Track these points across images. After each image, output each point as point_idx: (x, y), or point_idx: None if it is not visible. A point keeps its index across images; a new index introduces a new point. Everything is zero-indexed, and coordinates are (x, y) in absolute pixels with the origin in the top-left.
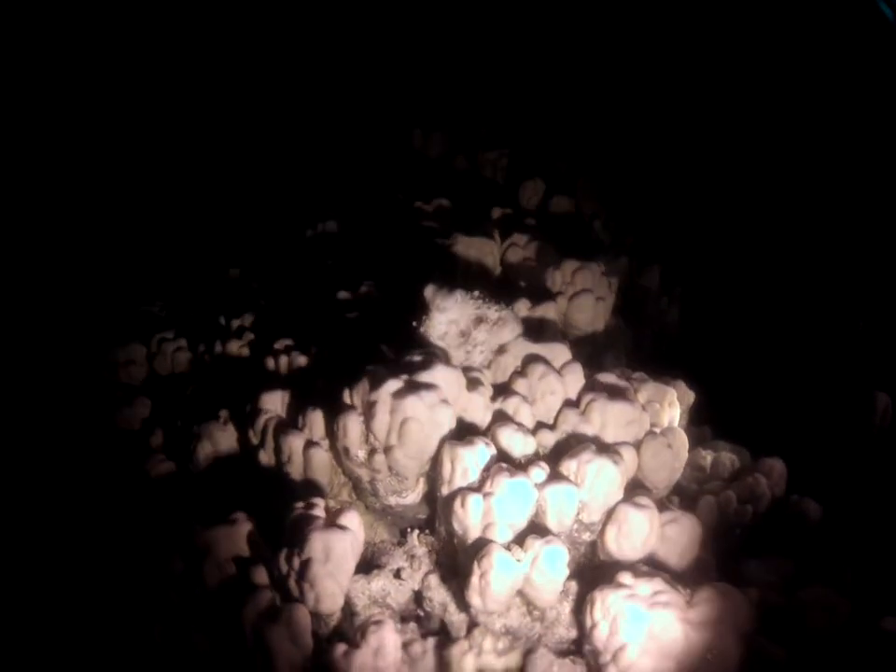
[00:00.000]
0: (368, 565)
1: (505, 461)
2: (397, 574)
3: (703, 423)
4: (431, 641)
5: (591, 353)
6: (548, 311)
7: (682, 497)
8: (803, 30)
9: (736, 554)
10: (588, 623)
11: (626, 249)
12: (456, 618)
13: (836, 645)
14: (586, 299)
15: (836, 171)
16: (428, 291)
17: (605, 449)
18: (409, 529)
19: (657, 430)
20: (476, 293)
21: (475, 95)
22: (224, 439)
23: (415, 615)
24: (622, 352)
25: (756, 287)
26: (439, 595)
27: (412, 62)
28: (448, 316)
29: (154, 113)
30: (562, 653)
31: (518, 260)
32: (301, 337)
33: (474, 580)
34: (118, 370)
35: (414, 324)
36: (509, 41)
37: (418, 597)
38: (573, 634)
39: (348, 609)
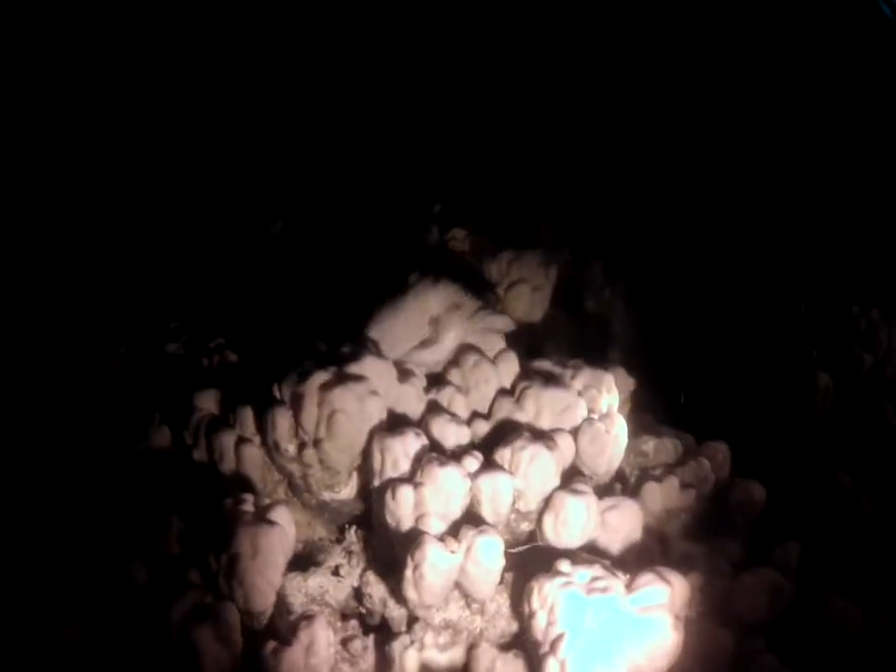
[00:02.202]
0: (306, 562)
1: (438, 452)
2: (335, 571)
3: (646, 410)
4: (373, 638)
5: (530, 343)
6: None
7: (625, 483)
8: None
9: (681, 539)
10: (526, 613)
11: (568, 241)
12: (397, 613)
13: (782, 626)
14: (522, 289)
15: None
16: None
17: (540, 436)
18: (346, 525)
19: (595, 416)
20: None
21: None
22: (158, 439)
23: (357, 612)
24: (562, 342)
25: (699, 275)
26: (378, 590)
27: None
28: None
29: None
30: (505, 647)
31: (456, 254)
32: (239, 335)
33: (408, 573)
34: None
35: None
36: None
37: (358, 594)
38: (515, 627)
39: (284, 608)
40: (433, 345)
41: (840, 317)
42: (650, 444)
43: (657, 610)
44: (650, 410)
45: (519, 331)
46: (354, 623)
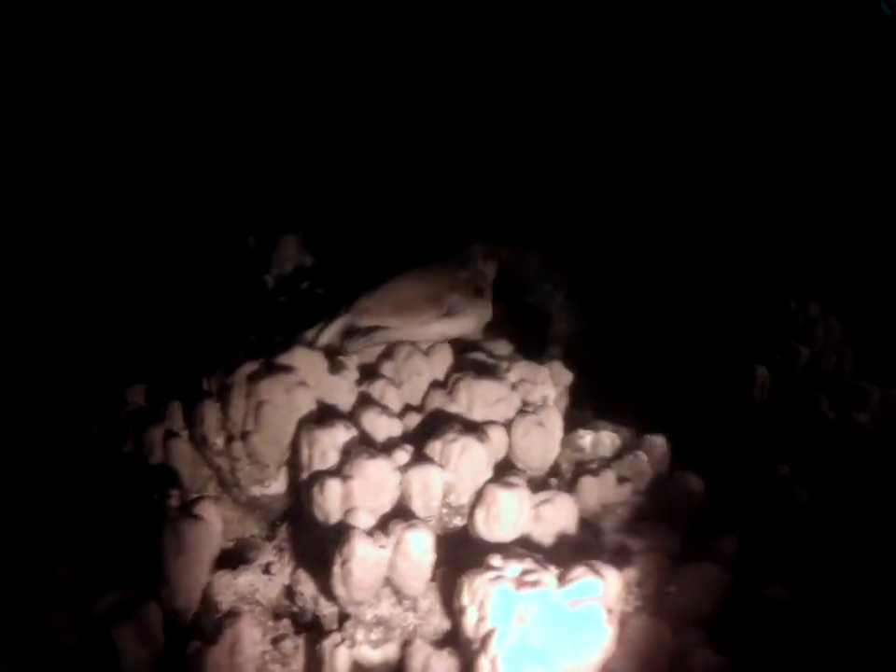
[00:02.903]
0: (236, 560)
1: (368, 444)
2: (266, 569)
3: (584, 404)
4: (304, 637)
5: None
6: None
7: (561, 477)
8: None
9: (618, 533)
10: (457, 609)
11: (509, 235)
12: (328, 611)
13: (719, 617)
14: None
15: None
16: None
17: (471, 428)
18: (278, 522)
19: (530, 409)
20: None
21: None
22: (88, 433)
23: (289, 611)
24: (501, 335)
25: (639, 269)
26: (309, 588)
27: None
28: None
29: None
30: (439, 644)
31: None
32: (176, 328)
33: (336, 568)
34: None
35: None
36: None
37: (290, 592)
38: (449, 624)
39: (212, 607)
40: (454, 318)
41: (779, 312)
42: (586, 438)
43: (589, 604)
44: (588, 404)
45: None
46: (286, 622)
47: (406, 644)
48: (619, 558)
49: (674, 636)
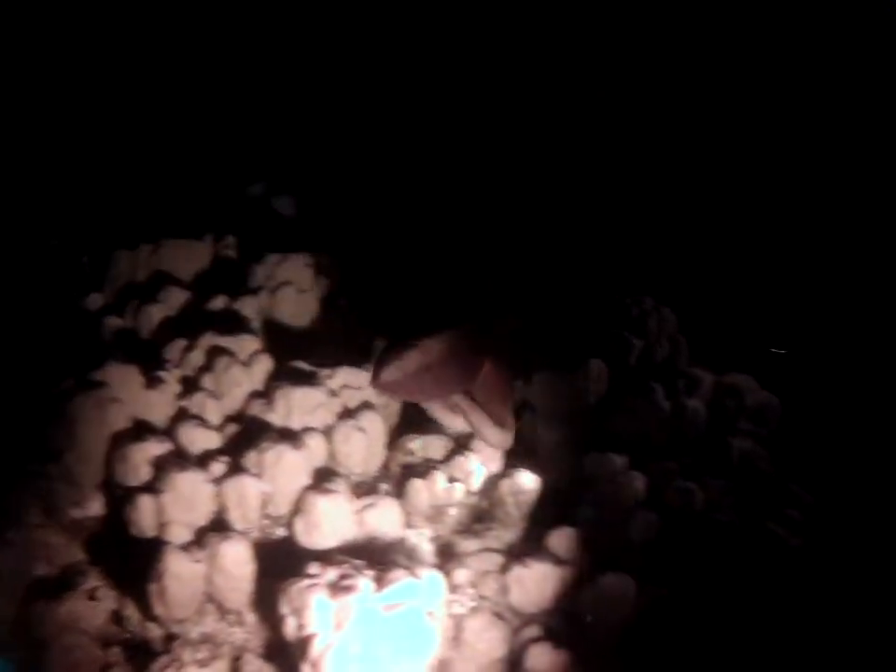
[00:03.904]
0: (60, 588)
1: (184, 458)
2: (91, 595)
3: (415, 407)
4: (134, 663)
5: (298, 345)
6: (244, 305)
7: (391, 481)
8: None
9: (453, 534)
10: (278, 619)
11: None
12: (156, 633)
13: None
14: (288, 291)
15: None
16: None
17: (287, 436)
18: (104, 545)
19: (351, 415)
20: None
21: None
22: None
23: (119, 637)
24: (330, 343)
25: (468, 272)
26: (135, 611)
27: None
28: None
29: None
30: (270, 657)
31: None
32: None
33: (152, 586)
34: None
35: None
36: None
37: (117, 617)
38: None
39: (35, 640)
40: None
41: (612, 305)
42: (416, 442)
43: (408, 606)
44: (418, 407)
45: (283, 334)
46: (116, 649)
47: (236, 660)
48: (452, 559)
49: (514, 634)
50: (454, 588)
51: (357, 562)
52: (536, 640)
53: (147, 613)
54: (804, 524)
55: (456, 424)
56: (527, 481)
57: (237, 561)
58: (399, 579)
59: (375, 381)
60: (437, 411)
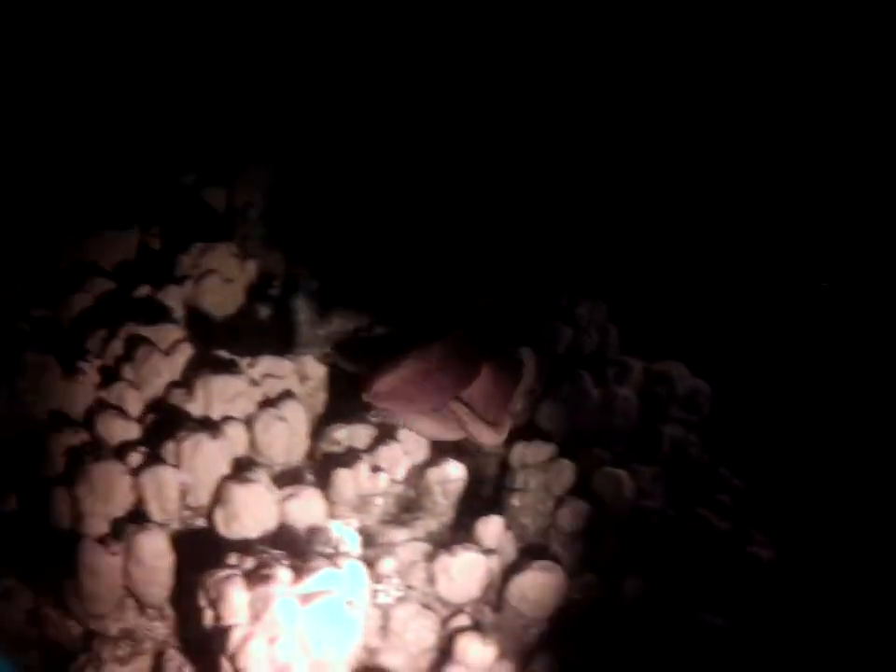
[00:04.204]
0: None
1: (102, 448)
2: (5, 595)
3: (342, 397)
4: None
5: (222, 334)
6: (168, 294)
7: (316, 471)
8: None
9: (379, 524)
10: (197, 611)
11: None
12: (76, 631)
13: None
14: (213, 280)
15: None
16: None
17: (205, 425)
18: (20, 543)
19: (273, 405)
20: None
21: None
22: None
23: (36, 640)
24: (256, 333)
25: (398, 263)
26: (52, 609)
27: None
28: None
29: None
30: (192, 652)
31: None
32: None
33: (68, 581)
34: None
35: None
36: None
37: (33, 617)
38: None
39: None
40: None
41: (541, 297)
42: (342, 431)
43: (328, 596)
44: (346, 397)
45: (207, 323)
46: (34, 653)
47: (158, 655)
48: (378, 549)
49: (442, 623)
50: (380, 578)
51: (277, 552)
52: (464, 630)
53: (65, 610)
54: (734, 508)
55: (429, 430)
56: (454, 470)
57: (155, 553)
58: (319, 568)
59: (369, 390)
60: (412, 417)
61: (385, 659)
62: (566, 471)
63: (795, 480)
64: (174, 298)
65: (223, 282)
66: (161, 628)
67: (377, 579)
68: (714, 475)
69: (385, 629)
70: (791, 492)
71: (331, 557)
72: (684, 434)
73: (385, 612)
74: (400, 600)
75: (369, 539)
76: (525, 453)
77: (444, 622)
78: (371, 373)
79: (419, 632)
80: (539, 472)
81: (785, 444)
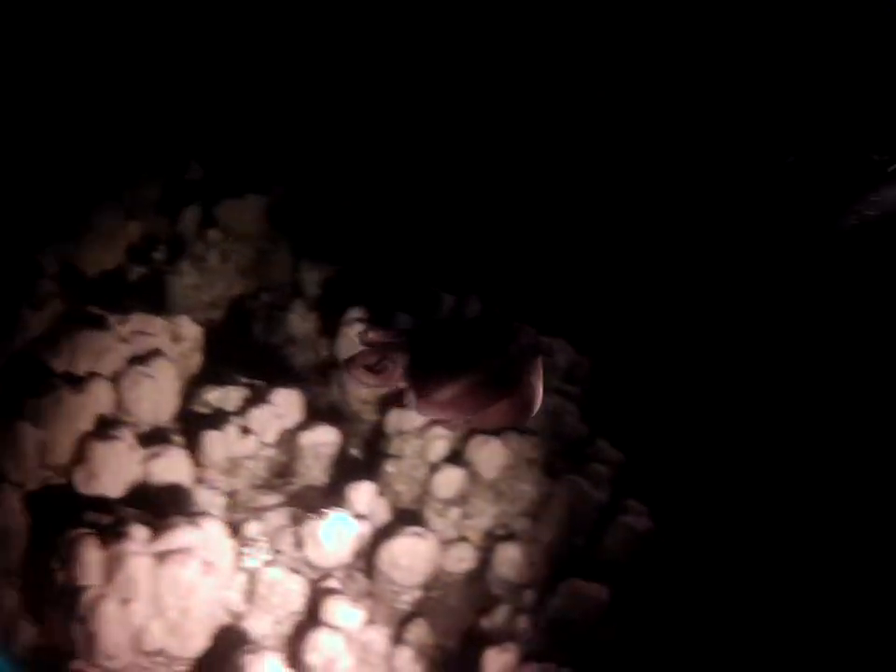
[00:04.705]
0: None
1: None
2: None
3: (221, 359)
4: None
5: (99, 292)
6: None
7: (186, 431)
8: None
9: (249, 489)
10: (50, 571)
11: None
12: None
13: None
14: (93, 238)
15: None
16: None
17: (72, 382)
18: None
19: (142, 363)
20: None
21: None
22: None
23: None
24: (138, 293)
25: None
26: None
27: None
28: None
29: None
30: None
31: None
32: None
33: None
34: None
35: None
36: None
37: None
38: None
39: None
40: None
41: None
42: (214, 393)
43: (183, 556)
44: (224, 358)
45: (85, 280)
46: None
47: (10, 622)
48: (246, 512)
49: (311, 587)
50: (247, 542)
51: (134, 511)
52: (333, 593)
53: None
54: (610, 478)
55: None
56: (327, 434)
57: (9, 512)
58: (176, 527)
59: (425, 399)
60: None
61: (250, 623)
62: (440, 439)
63: (682, 454)
64: (49, 253)
65: (106, 239)
66: (13, 594)
67: (244, 542)
68: (592, 446)
69: (250, 593)
70: (675, 466)
71: (192, 517)
72: (563, 404)
73: (252, 576)
74: (268, 564)
75: (238, 502)
76: (400, 419)
77: (313, 585)
78: (427, 385)
79: (286, 596)
80: (414, 439)
81: (675, 421)
